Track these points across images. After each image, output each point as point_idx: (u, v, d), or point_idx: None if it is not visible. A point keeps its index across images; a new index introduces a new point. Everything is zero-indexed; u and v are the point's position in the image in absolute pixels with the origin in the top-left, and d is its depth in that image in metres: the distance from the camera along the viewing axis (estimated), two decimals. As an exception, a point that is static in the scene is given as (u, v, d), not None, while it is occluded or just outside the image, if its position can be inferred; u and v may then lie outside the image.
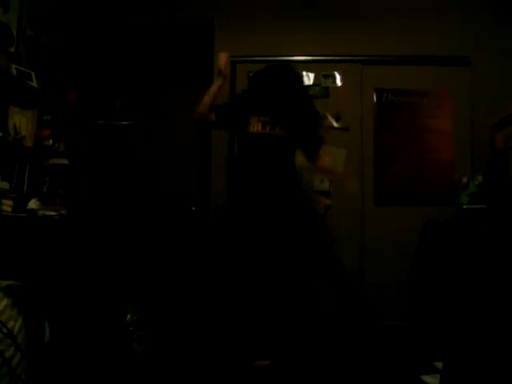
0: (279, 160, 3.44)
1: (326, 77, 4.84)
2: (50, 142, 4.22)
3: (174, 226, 4.82)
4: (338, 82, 4.83)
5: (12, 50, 3.91)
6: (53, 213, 3.83)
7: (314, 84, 4.81)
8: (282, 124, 3.42)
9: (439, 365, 2.58)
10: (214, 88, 3.50)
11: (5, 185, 3.63)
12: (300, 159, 3.64)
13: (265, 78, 3.52)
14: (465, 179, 4.19)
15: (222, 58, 3.54)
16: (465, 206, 4.03)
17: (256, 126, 3.41)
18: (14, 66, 3.80)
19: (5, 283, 2.21)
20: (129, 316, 3.56)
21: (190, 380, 3.10)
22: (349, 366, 3.72)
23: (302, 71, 4.78)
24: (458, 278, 3.33)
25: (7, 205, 3.51)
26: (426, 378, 2.66)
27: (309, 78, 4.82)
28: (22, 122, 3.92)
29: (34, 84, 4.02)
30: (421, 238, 4.03)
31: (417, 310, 3.81)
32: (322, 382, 3.32)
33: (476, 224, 3.75)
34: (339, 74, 4.84)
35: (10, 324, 2.10)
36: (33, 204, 3.80)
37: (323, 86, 4.82)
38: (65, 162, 4.33)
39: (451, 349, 2.44)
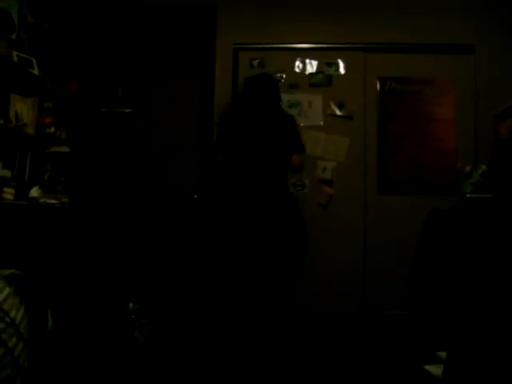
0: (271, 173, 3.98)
1: (328, 65, 4.80)
2: (52, 129, 4.20)
3: (176, 214, 4.80)
4: (342, 70, 4.80)
5: (13, 36, 3.88)
6: (54, 201, 3.82)
7: (317, 72, 4.77)
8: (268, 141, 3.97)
9: (443, 355, 2.57)
10: None
11: (6, 173, 3.61)
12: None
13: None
14: (468, 168, 4.17)
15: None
16: (468, 195, 4.02)
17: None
18: (15, 53, 3.77)
19: (7, 272, 2.20)
20: (131, 305, 3.56)
21: (190, 370, 3.10)
22: (352, 358, 3.73)
23: (305, 59, 4.76)
24: (462, 268, 3.32)
25: (9, 193, 3.49)
26: (429, 368, 2.65)
27: (312, 66, 4.79)
28: (23, 109, 3.90)
29: (36, 71, 3.99)
30: (424, 227, 4.01)
31: (419, 299, 3.81)
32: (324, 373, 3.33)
33: (479, 213, 3.74)
34: (342, 61, 4.80)
35: (13, 313, 2.09)
36: (34, 192, 3.79)
37: (326, 74, 4.78)
38: (66, 149, 4.32)
39: (455, 339, 2.42)
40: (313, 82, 4.77)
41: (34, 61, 4.00)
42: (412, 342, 3.47)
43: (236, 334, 3.64)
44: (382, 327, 4.18)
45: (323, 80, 4.78)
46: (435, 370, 2.59)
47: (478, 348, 2.27)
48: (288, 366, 3.58)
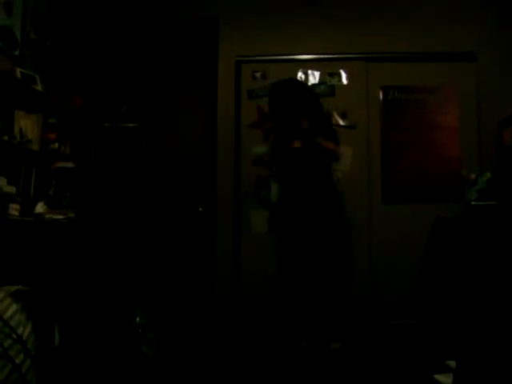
0: (320, 169, 3.80)
1: (331, 75, 4.81)
2: (56, 145, 4.22)
3: (182, 228, 4.80)
4: (344, 80, 4.80)
5: (16, 53, 3.91)
6: (60, 216, 3.83)
7: (320, 82, 4.78)
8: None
9: (452, 363, 2.55)
10: None
11: (11, 189, 3.61)
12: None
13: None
14: (473, 175, 4.16)
15: None
16: (473, 203, 4.01)
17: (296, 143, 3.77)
18: (18, 70, 3.79)
19: (14, 288, 2.20)
20: (138, 319, 3.55)
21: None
22: (360, 368, 3.70)
23: (307, 70, 4.77)
24: (470, 276, 3.30)
25: (14, 209, 3.50)
26: (439, 377, 2.64)
27: (314, 77, 4.80)
28: (27, 125, 3.92)
29: (39, 87, 4.01)
30: (430, 235, 4.00)
31: (427, 308, 3.79)
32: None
33: (485, 220, 3.73)
34: (345, 71, 4.81)
35: (20, 330, 2.08)
36: (40, 208, 3.79)
37: (329, 85, 4.79)
38: (71, 165, 4.33)
39: (464, 347, 2.41)
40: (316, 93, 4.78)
41: (37, 77, 4.02)
42: (420, 351, 3.45)
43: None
44: (389, 337, 4.16)
45: (326, 90, 4.79)
46: (444, 379, 2.57)
47: (488, 357, 2.25)
48: (294, 375, 3.56)
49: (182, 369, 3.50)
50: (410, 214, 4.62)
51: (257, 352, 4.11)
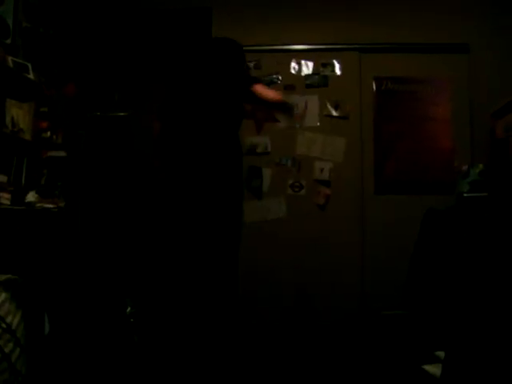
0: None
1: (324, 65, 4.81)
2: (48, 134, 4.20)
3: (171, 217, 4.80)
4: (337, 71, 4.80)
5: (8, 41, 3.88)
6: (51, 205, 3.82)
7: (313, 73, 4.78)
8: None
9: (441, 354, 2.57)
10: None
11: (3, 178, 3.61)
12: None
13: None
14: (465, 167, 4.17)
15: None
16: (465, 195, 4.02)
17: None
18: (10, 58, 3.77)
19: (3, 277, 2.20)
20: (129, 308, 3.56)
21: (189, 372, 3.09)
22: (351, 357, 3.73)
23: (301, 60, 4.77)
24: (460, 267, 3.32)
25: (5, 198, 3.49)
26: (428, 367, 2.65)
27: (308, 67, 4.79)
28: (19, 114, 3.90)
29: (31, 76, 3.99)
30: (421, 227, 4.02)
31: (417, 298, 3.81)
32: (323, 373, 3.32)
33: (477, 212, 3.74)
34: (338, 62, 4.81)
35: (9, 318, 2.09)
36: (31, 197, 3.78)
37: (322, 75, 4.79)
38: (62, 154, 4.31)
39: (453, 338, 2.43)
40: (309, 83, 4.78)
41: (29, 66, 3.99)
42: (410, 342, 3.47)
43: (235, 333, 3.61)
44: (380, 327, 4.18)
45: (319, 81, 4.78)
46: (433, 369, 2.59)
47: (477, 347, 2.27)
48: (287, 364, 3.58)
49: (172, 358, 3.51)
50: (402, 205, 4.63)
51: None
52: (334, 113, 4.76)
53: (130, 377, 3.03)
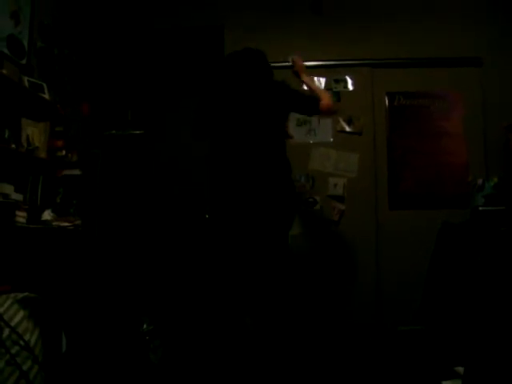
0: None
1: (337, 81, 4.82)
2: (63, 152, 4.23)
3: (189, 235, 4.80)
4: (350, 87, 4.82)
5: (23, 62, 3.93)
6: (67, 224, 3.84)
7: (326, 89, 4.78)
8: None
9: (460, 370, 2.54)
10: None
11: (18, 196, 3.62)
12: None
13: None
14: (480, 181, 4.15)
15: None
16: (480, 208, 3.99)
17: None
18: (26, 78, 3.81)
19: (21, 295, 2.21)
20: (145, 326, 3.55)
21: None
22: (368, 374, 3.69)
23: (313, 76, 4.78)
24: (477, 281, 3.29)
25: (21, 216, 3.51)
26: (447, 383, 2.63)
27: (320, 83, 4.80)
28: (34, 133, 3.93)
29: (46, 96, 4.03)
30: (437, 240, 3.99)
31: (435, 313, 3.78)
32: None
33: (493, 226, 3.71)
34: (350, 78, 4.82)
35: (27, 336, 2.09)
36: (47, 215, 3.81)
37: (334, 91, 4.80)
38: (78, 172, 4.34)
39: (472, 353, 2.40)
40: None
41: (44, 85, 4.04)
42: (429, 357, 3.44)
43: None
44: (397, 343, 4.14)
45: (332, 97, 4.79)
46: (453, 385, 2.56)
47: (497, 363, 2.24)
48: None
49: (188, 376, 3.49)
50: (417, 220, 4.61)
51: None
52: (347, 128, 4.76)
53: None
